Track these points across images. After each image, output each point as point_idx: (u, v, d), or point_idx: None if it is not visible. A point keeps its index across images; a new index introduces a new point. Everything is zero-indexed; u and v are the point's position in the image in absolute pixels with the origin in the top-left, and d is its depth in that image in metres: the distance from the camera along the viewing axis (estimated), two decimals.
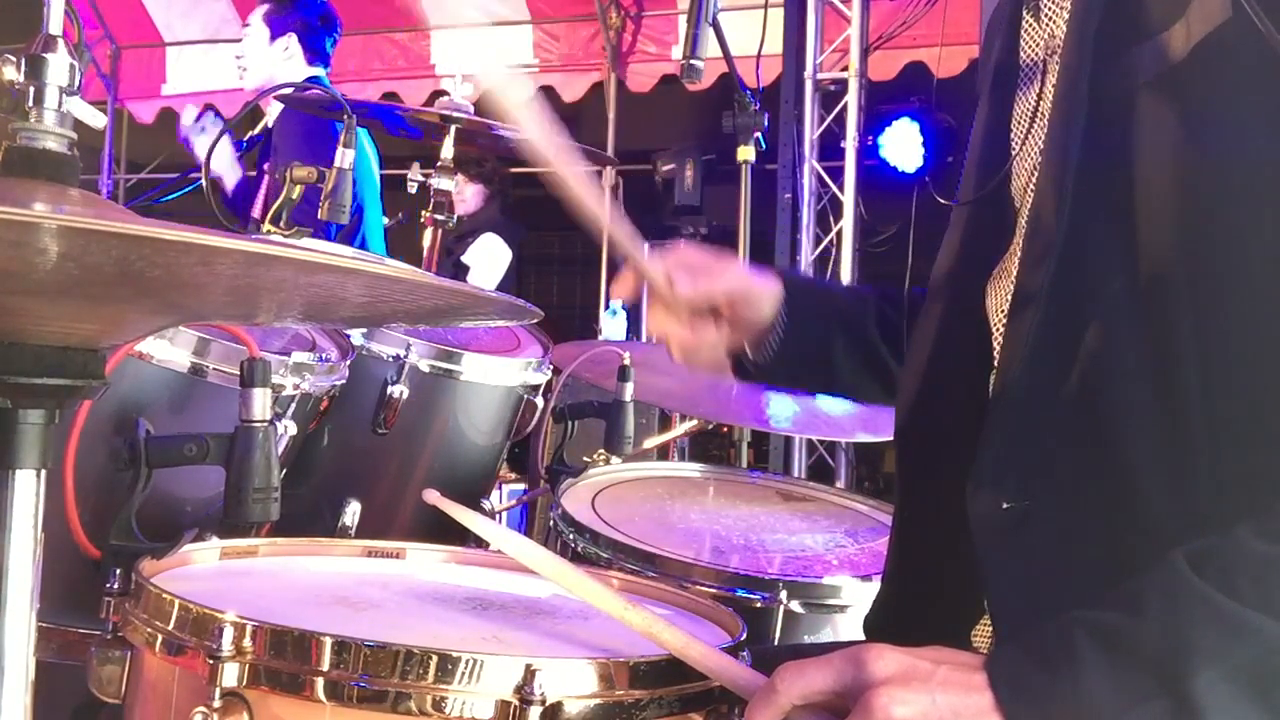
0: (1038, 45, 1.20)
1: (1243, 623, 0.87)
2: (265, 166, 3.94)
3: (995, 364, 1.15)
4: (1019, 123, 1.21)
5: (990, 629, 1.15)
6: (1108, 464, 1.04)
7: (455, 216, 2.73)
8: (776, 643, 1.65)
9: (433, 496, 1.22)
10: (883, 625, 1.35)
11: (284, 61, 4.01)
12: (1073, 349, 1.07)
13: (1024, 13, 1.22)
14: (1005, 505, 1.08)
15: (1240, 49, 0.97)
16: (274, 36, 4.04)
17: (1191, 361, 1.00)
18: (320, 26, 4.10)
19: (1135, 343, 1.03)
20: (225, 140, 3.85)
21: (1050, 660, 0.92)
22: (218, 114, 4.17)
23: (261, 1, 4.11)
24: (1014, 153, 1.20)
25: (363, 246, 3.95)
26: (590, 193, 1.26)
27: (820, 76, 6.28)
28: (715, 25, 2.71)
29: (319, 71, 4.12)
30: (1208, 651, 0.87)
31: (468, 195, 5.59)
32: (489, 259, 5.42)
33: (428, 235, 2.60)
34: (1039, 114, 1.16)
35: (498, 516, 2.53)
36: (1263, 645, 0.87)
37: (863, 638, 1.44)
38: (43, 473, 0.87)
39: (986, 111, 1.27)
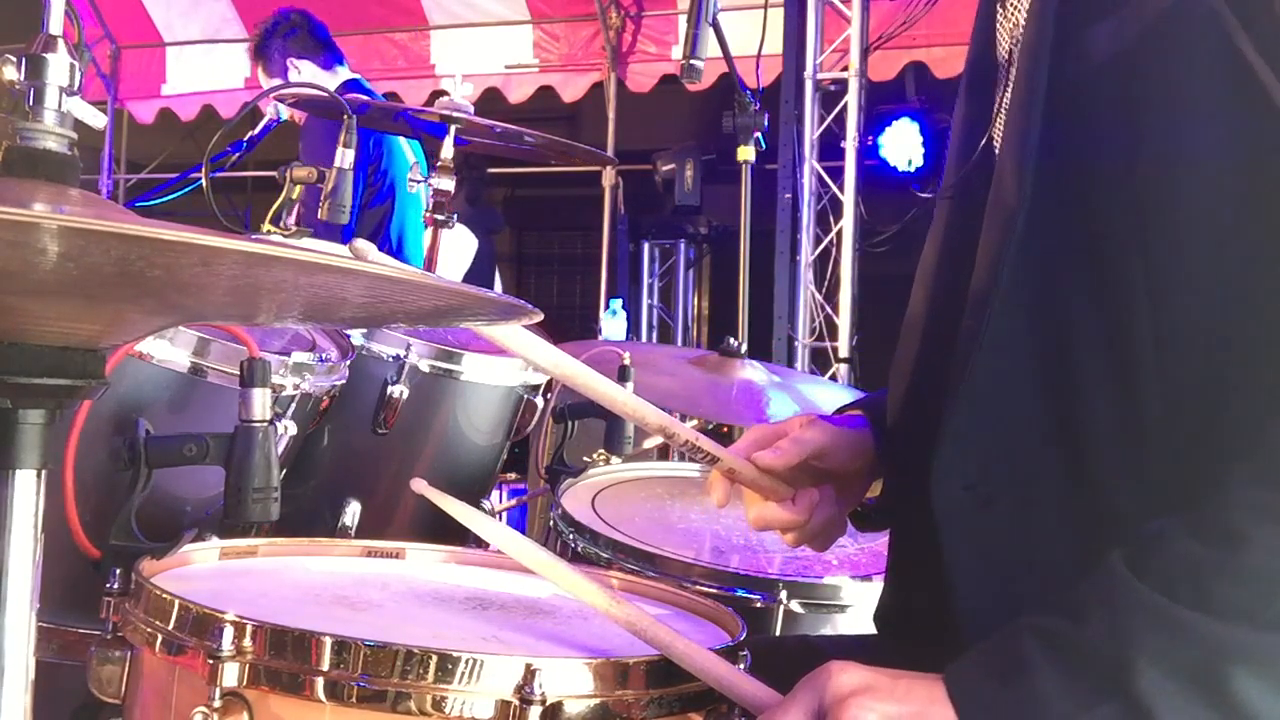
0: (1005, 38, 1.20)
1: (1182, 623, 0.90)
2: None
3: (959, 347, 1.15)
4: (999, 117, 1.21)
5: None
6: (1066, 449, 1.06)
7: None
8: None
9: (420, 485, 1.20)
10: (889, 620, 1.35)
11: (313, 79, 4.00)
12: (1032, 334, 1.07)
13: (996, 6, 1.23)
14: (964, 488, 1.09)
15: (1194, 31, 0.98)
16: (284, 73, 4.04)
17: (1147, 348, 1.01)
18: (304, 28, 4.08)
19: (1093, 329, 1.04)
20: None
21: (1003, 670, 0.95)
22: None
23: (253, 61, 4.11)
24: (996, 147, 1.20)
25: (397, 250, 3.95)
26: (624, 395, 1.22)
27: (820, 76, 6.28)
28: (715, 25, 2.70)
29: (343, 72, 4.10)
30: (1151, 652, 0.90)
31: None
32: (451, 248, 5.42)
33: (428, 235, 2.60)
34: (1001, 105, 1.17)
35: (498, 517, 2.53)
36: (1203, 644, 0.89)
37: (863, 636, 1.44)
38: (43, 473, 0.87)
39: (963, 108, 1.27)
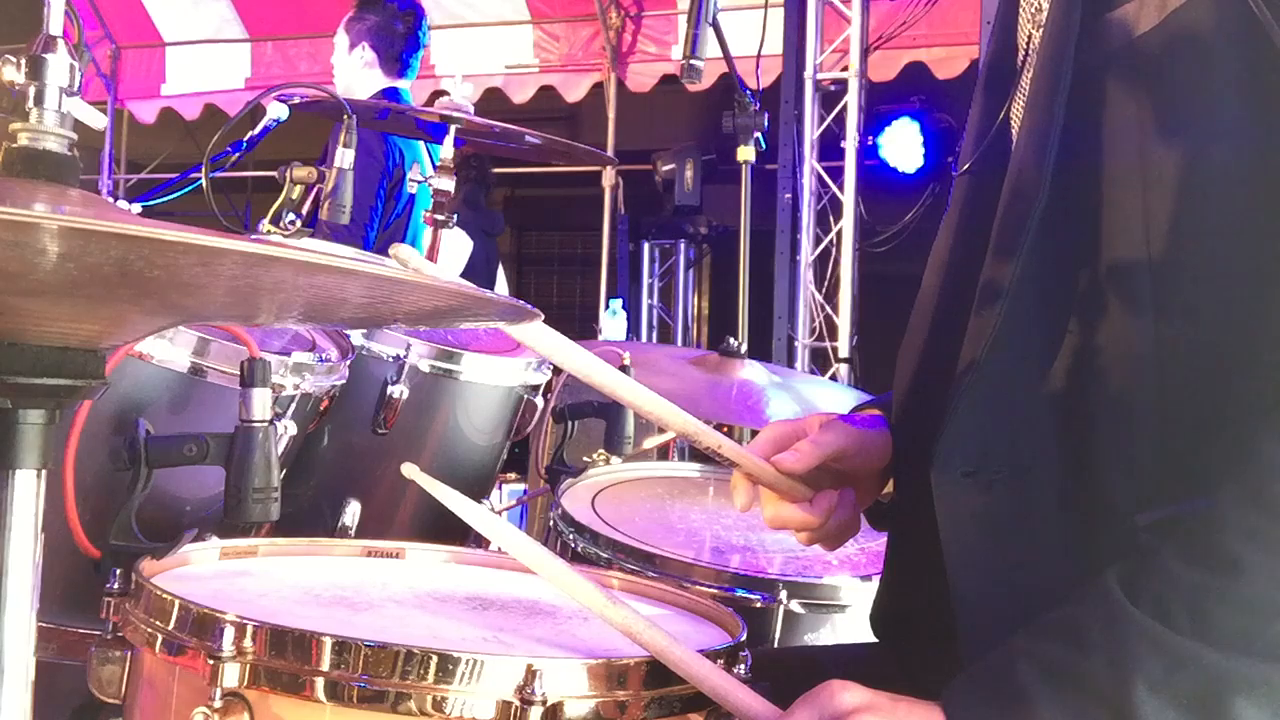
0: (1026, 23, 1.19)
1: (1182, 652, 0.90)
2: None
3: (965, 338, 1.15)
4: (1018, 99, 1.20)
5: None
6: (1067, 436, 1.06)
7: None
8: (777, 643, 1.65)
9: (411, 470, 1.18)
10: (885, 621, 1.35)
11: (361, 70, 3.96)
12: (1041, 323, 1.07)
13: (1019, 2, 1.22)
14: (964, 473, 1.09)
15: (1216, 26, 0.97)
16: (351, 45, 4.00)
17: (1149, 349, 1.01)
18: (403, 34, 4.00)
19: (1099, 322, 1.04)
20: None
21: (1001, 698, 0.96)
22: None
23: (352, 5, 4.08)
24: (1014, 127, 1.19)
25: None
26: (648, 396, 1.20)
27: (820, 76, 6.27)
28: (715, 25, 2.70)
29: (401, 84, 4.03)
30: (1153, 682, 0.90)
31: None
32: (445, 249, 5.41)
33: (428, 235, 2.60)
34: (1020, 87, 1.16)
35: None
36: (1202, 673, 0.90)
37: (861, 637, 1.44)
38: (43, 473, 0.87)
39: (982, 93, 1.27)
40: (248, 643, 0.96)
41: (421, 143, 3.84)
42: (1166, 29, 1.00)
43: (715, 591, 1.65)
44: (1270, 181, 0.96)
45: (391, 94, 4.01)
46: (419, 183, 2.54)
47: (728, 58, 3.01)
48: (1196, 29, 0.98)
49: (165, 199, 2.61)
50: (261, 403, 1.30)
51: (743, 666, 1.07)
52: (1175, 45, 0.99)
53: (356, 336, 1.91)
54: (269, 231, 2.13)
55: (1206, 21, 0.97)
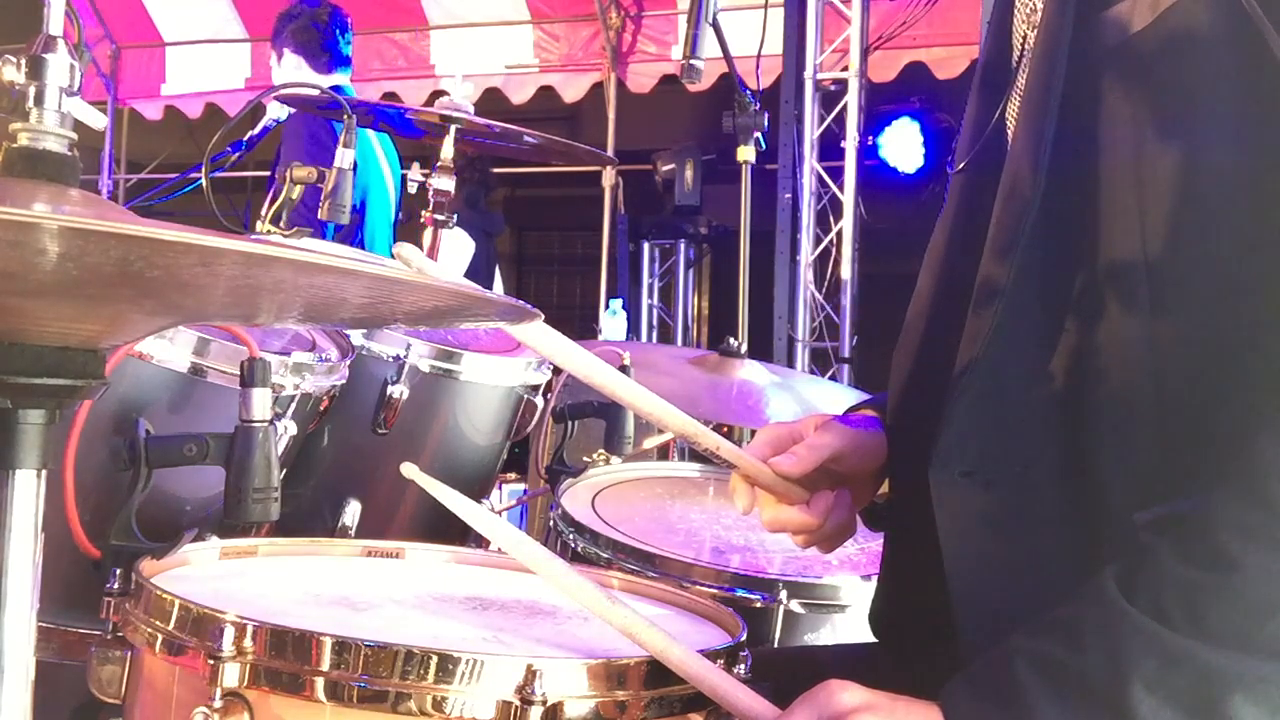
0: (1021, 24, 1.20)
1: (1178, 650, 0.91)
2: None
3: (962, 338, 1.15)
4: (1014, 99, 1.20)
5: None
6: (1065, 437, 1.06)
7: None
8: (776, 643, 1.65)
9: (411, 470, 1.18)
10: (884, 621, 1.35)
11: (295, 75, 3.96)
12: (1038, 323, 1.07)
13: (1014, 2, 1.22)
14: (962, 474, 1.09)
15: (1211, 26, 0.97)
16: (278, 58, 4.03)
17: (1144, 349, 1.01)
18: (318, 28, 4.01)
19: (1096, 322, 1.04)
20: None
21: (999, 697, 0.96)
22: None
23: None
24: (1009, 126, 1.19)
25: (364, 248, 3.93)
26: (648, 397, 1.19)
27: (820, 76, 6.28)
28: (715, 25, 2.70)
29: (338, 78, 4.02)
30: (1149, 680, 0.91)
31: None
32: (447, 250, 5.41)
33: (428, 235, 2.60)
34: (1015, 87, 1.16)
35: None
36: (1198, 671, 0.90)
37: (861, 637, 1.44)
38: (43, 473, 0.87)
39: (978, 93, 1.27)
40: (248, 643, 0.96)
41: (370, 132, 3.82)
42: (1159, 28, 1.00)
43: (715, 591, 1.65)
44: (1264, 180, 0.96)
45: (336, 91, 4.00)
46: (419, 183, 2.54)
47: (728, 58, 3.01)
48: (1189, 27, 0.98)
49: (165, 199, 2.61)
50: (261, 403, 1.30)
51: (743, 666, 1.08)
52: (1168, 44, 0.99)
53: (356, 336, 1.91)
54: (268, 231, 2.13)
55: (1199, 20, 0.98)
